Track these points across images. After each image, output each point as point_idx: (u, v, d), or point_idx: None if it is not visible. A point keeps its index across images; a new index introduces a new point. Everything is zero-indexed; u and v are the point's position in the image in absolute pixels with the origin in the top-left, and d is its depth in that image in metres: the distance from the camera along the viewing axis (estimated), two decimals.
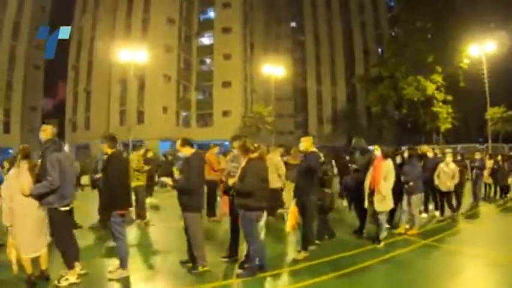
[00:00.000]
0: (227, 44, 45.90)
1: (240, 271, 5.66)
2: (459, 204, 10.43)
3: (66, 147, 38.22)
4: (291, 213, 7.12)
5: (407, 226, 8.31)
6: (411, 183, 8.11)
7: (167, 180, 6.44)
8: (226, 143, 36.53)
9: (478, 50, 30.02)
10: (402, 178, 8.14)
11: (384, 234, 7.41)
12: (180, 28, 46.11)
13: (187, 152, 5.83)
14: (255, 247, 5.52)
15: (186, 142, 5.88)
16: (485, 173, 13.13)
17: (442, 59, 37.64)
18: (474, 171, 12.72)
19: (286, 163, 9.91)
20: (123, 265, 5.52)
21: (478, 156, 13.18)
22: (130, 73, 32.89)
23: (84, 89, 48.03)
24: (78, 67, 48.92)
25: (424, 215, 10.05)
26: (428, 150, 11.12)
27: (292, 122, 65.08)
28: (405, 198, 8.26)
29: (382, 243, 7.24)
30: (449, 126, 38.96)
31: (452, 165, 9.77)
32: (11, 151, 38.88)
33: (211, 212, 9.96)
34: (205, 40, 49.19)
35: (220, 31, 46.98)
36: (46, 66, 55.34)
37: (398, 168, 8.29)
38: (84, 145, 43.38)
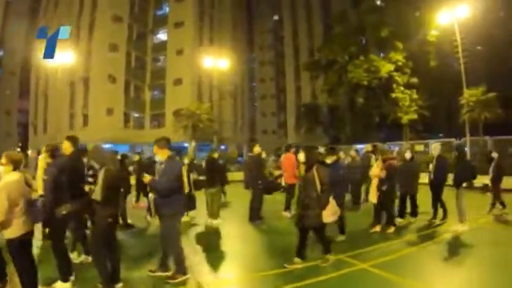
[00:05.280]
0: (179, 39, 43.39)
1: None
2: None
3: (29, 152, 38.08)
4: None
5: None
6: None
7: None
8: (184, 144, 34.09)
9: (448, 17, 23.67)
10: None
11: None
12: (131, 26, 44.05)
13: None
14: None
15: None
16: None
17: (403, 32, 31.70)
18: None
19: None
20: None
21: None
22: (77, 75, 31.43)
23: (42, 92, 47.16)
24: (38, 70, 48.13)
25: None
26: None
27: (275, 120, 62.37)
28: None
29: None
30: (414, 116, 31.76)
31: None
32: None
33: None
34: (162, 36, 46.79)
35: (173, 26, 44.52)
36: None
37: None
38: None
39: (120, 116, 41.73)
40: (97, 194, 4.97)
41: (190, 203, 10.39)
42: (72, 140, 6.11)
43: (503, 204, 10.77)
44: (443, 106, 34.81)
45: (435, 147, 10.58)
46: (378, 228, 8.61)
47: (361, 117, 38.18)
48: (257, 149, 10.65)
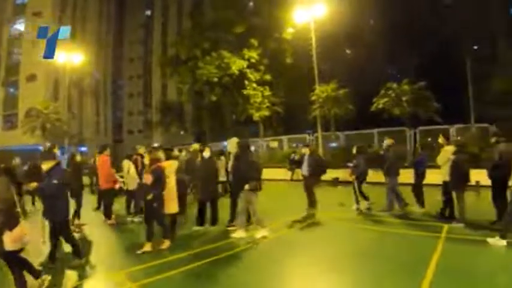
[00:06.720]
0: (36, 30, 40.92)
1: None
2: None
3: None
4: None
5: None
6: None
7: None
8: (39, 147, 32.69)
9: (306, 15, 23.73)
10: None
11: None
12: None
13: None
14: None
15: None
16: None
17: (259, 29, 32.10)
18: None
19: None
20: None
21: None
22: None
23: None
24: None
25: None
26: None
27: (142, 120, 61.35)
28: None
29: None
30: (266, 113, 32.22)
31: None
32: None
33: None
34: (20, 27, 43.56)
35: (31, 16, 41.84)
36: None
37: None
38: None
39: None
40: None
41: None
42: None
43: (313, 204, 10.43)
44: (303, 103, 34.49)
45: (231, 143, 9.41)
46: (147, 247, 7.01)
47: (218, 114, 38.67)
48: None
